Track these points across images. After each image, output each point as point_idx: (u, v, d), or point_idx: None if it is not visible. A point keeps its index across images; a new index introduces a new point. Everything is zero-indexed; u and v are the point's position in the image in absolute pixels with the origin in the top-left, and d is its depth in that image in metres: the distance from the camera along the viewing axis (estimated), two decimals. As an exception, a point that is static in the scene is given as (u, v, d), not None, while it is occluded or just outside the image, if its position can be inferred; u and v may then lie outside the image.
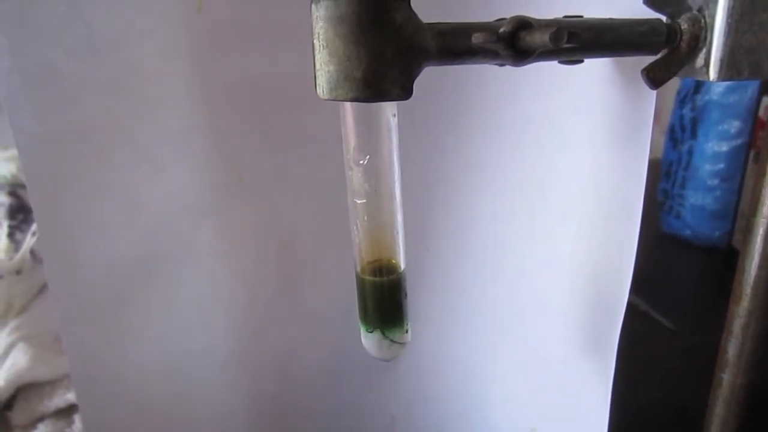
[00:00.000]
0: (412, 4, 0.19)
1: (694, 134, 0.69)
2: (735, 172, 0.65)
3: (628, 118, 0.28)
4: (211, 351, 0.31)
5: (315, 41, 0.19)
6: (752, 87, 0.62)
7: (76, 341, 0.28)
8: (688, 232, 0.71)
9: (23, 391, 0.41)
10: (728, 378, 0.27)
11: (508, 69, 0.21)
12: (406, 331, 0.24)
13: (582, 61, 0.22)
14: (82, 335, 0.28)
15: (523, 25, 0.20)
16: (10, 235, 0.54)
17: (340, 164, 0.21)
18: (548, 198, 0.30)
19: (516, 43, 0.20)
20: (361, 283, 0.23)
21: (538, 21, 0.20)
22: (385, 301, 0.23)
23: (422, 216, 0.30)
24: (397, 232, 0.22)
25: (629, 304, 0.30)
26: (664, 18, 0.23)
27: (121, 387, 0.30)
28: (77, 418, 0.39)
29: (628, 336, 0.30)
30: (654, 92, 0.27)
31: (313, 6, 0.19)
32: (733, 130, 0.65)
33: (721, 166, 0.66)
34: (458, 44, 0.20)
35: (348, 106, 0.20)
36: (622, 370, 0.31)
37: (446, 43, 0.19)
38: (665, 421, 0.41)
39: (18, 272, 0.49)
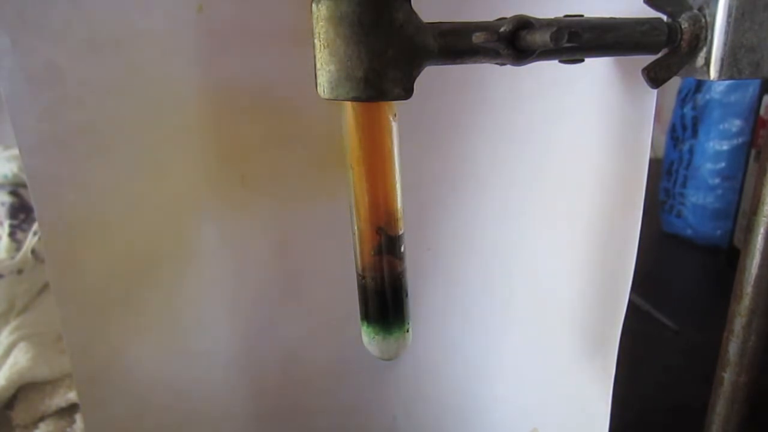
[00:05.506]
0: (413, 4, 0.19)
1: (695, 133, 0.69)
2: (736, 171, 0.65)
3: (628, 117, 0.28)
4: (212, 351, 0.31)
5: (316, 41, 0.19)
6: (753, 86, 0.62)
7: (78, 341, 0.28)
8: (689, 232, 0.71)
9: (24, 390, 0.41)
10: (730, 377, 0.27)
11: (509, 68, 0.21)
12: (407, 331, 0.24)
13: (583, 61, 0.22)
14: (84, 335, 0.28)
15: (523, 24, 0.20)
16: (12, 235, 0.54)
17: (341, 164, 0.21)
18: (549, 197, 0.30)
19: (517, 42, 0.20)
20: (362, 283, 0.23)
21: (539, 20, 0.20)
22: (386, 300, 0.23)
23: (422, 216, 0.30)
24: (398, 232, 0.22)
25: (630, 304, 0.30)
26: (664, 17, 0.23)
27: (123, 387, 0.30)
28: (78, 418, 0.39)
29: (629, 335, 0.30)
30: (655, 91, 0.27)
31: (314, 6, 0.19)
32: (734, 129, 0.65)
33: (723, 165, 0.66)
34: (459, 44, 0.20)
35: (349, 106, 0.20)
36: (624, 370, 0.31)
37: (447, 42, 0.19)
38: (666, 420, 0.41)
39: (19, 272, 0.49)
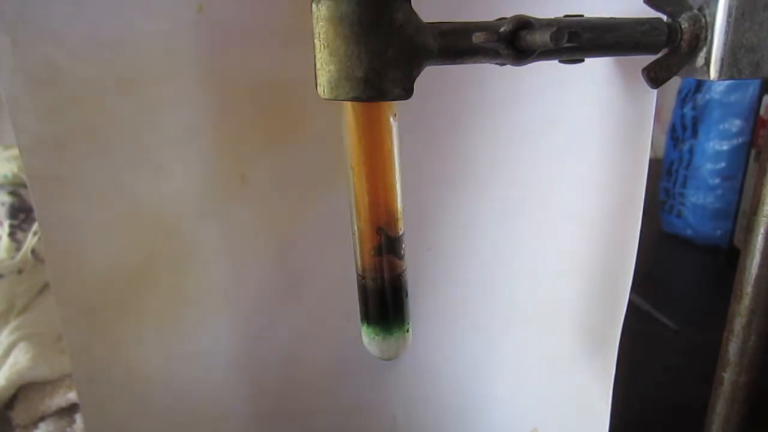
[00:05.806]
0: (413, 4, 0.19)
1: (695, 133, 0.69)
2: (736, 171, 0.65)
3: (629, 117, 0.28)
4: (212, 351, 0.31)
5: (316, 41, 0.19)
6: (753, 86, 0.62)
7: (78, 341, 0.28)
8: (689, 232, 0.71)
9: (24, 390, 0.41)
10: (730, 377, 0.27)
11: (509, 68, 0.21)
12: (407, 331, 0.24)
13: (583, 61, 0.22)
14: (83, 335, 0.28)
15: (523, 24, 0.20)
16: (12, 235, 0.55)
17: (341, 164, 0.21)
18: (549, 197, 0.30)
19: (517, 42, 0.20)
20: (362, 283, 0.23)
21: (539, 20, 0.20)
22: (386, 300, 0.23)
23: (422, 216, 0.30)
24: (398, 232, 0.22)
25: (630, 304, 0.30)
26: (664, 17, 0.23)
27: (123, 387, 0.30)
28: (78, 418, 0.39)
29: (629, 335, 0.30)
30: (655, 91, 0.27)
31: (314, 6, 0.19)
32: (734, 129, 0.65)
33: (723, 165, 0.66)
34: (459, 44, 0.20)
35: (349, 106, 0.20)
36: (624, 370, 0.31)
37: (447, 42, 0.19)
38: (666, 420, 0.41)
39: (19, 272, 0.49)
